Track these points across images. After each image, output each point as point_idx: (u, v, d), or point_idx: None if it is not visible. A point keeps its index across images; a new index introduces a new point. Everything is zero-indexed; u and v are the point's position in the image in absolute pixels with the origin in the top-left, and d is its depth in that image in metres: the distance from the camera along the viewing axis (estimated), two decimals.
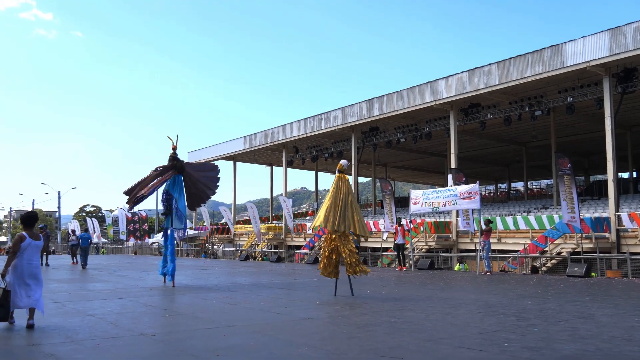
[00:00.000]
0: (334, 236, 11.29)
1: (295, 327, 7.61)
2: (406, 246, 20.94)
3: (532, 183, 54.11)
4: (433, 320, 7.93)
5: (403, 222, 21.08)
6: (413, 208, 19.63)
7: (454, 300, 10.57)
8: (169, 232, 14.65)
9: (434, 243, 28.87)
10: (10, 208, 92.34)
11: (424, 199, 18.94)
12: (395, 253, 21.23)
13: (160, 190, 15.47)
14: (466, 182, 23.50)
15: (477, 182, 18.07)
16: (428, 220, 30.65)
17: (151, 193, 14.22)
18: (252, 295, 11.81)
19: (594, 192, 37.78)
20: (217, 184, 15.58)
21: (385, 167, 52.40)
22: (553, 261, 23.34)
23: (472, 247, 27.34)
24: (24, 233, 7.68)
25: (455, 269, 22.40)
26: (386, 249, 29.78)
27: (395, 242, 20.35)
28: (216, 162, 50.23)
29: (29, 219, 7.95)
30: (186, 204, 14.74)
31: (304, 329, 7.40)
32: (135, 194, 13.92)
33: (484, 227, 18.07)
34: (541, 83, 25.48)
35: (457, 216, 27.68)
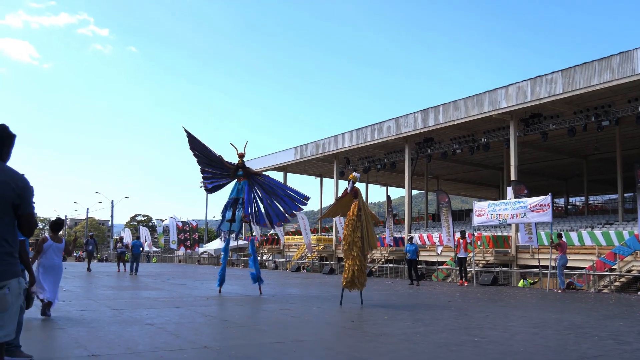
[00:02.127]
0: (356, 254, 11.58)
1: (368, 344, 6.97)
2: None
3: (590, 198, 51.96)
4: (521, 341, 7.17)
5: (466, 234, 20.04)
6: (477, 220, 18.71)
7: (534, 319, 9.73)
8: (246, 240, 14.64)
9: (492, 258, 27.77)
10: (66, 216, 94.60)
11: (489, 211, 17.99)
12: (458, 267, 20.32)
13: (221, 191, 15.28)
14: (529, 195, 22.45)
15: (550, 194, 17.05)
16: (486, 234, 29.52)
17: (206, 173, 14.28)
18: (313, 307, 11.23)
19: None
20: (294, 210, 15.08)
21: (437, 179, 51.33)
22: (622, 280, 21.99)
23: (534, 262, 26.13)
24: (47, 236, 8.91)
25: (520, 285, 21.30)
26: (441, 263, 28.82)
27: (458, 256, 19.47)
28: (266, 173, 50.35)
29: (55, 225, 9.18)
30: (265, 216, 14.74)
31: (380, 346, 6.76)
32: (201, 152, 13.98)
33: (556, 241, 17.05)
34: (609, 92, 24.21)
35: (517, 230, 26.53)
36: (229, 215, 14.33)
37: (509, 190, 26.70)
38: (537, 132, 28.81)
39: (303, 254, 40.49)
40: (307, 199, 14.79)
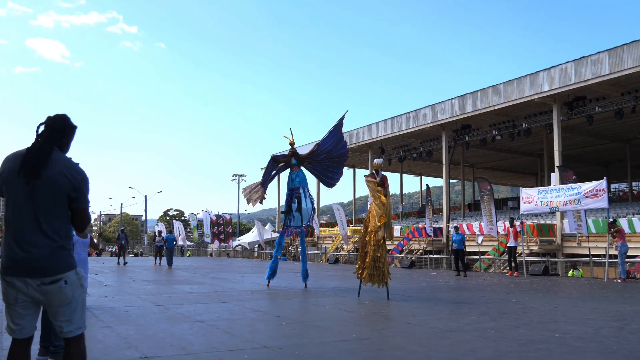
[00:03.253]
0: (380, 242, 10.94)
1: (442, 342, 6.35)
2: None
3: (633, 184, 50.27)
4: (609, 337, 6.47)
5: (516, 222, 19.03)
6: (525, 207, 17.85)
7: (609, 311, 8.98)
8: (295, 232, 14.00)
9: (536, 247, 26.82)
10: (100, 212, 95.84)
11: (539, 198, 17.12)
12: (507, 257, 19.46)
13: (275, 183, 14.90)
14: (577, 181, 21.47)
15: (605, 178, 16.14)
16: (529, 222, 28.53)
17: (265, 185, 14.24)
18: (365, 301, 10.64)
19: None
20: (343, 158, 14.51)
21: (473, 168, 50.19)
22: None
23: (580, 251, 25.12)
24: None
25: (570, 274, 20.39)
26: (482, 253, 27.95)
27: (507, 245, 18.63)
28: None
29: None
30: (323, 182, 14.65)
31: (456, 345, 6.13)
32: (252, 198, 14.17)
33: (612, 229, 16.11)
34: None
35: (563, 218, 25.55)
36: (286, 207, 13.91)
37: (553, 176, 25.68)
38: (581, 115, 27.68)
39: (338, 246, 39.93)
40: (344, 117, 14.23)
